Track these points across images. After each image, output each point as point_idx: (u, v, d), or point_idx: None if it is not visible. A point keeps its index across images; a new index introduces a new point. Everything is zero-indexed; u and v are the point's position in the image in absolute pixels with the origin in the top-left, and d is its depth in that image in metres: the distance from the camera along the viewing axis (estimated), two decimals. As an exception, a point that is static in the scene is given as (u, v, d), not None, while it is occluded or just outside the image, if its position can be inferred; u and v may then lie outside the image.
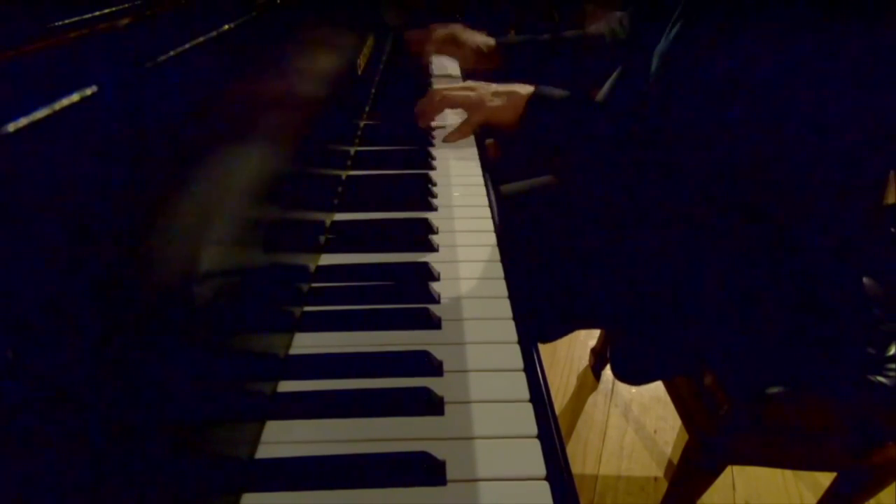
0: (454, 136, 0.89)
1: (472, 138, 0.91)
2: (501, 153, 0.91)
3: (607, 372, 1.54)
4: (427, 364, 0.47)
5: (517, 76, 1.10)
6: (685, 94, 0.70)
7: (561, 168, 0.97)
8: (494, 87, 0.87)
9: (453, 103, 0.88)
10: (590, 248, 0.83)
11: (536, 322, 0.52)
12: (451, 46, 1.18)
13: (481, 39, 1.15)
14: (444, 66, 1.31)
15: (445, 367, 0.47)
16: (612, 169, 0.79)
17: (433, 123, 0.94)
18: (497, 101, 0.84)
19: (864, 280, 0.76)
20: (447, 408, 0.43)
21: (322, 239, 0.63)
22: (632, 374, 0.83)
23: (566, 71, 1.10)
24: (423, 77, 1.21)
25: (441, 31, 1.18)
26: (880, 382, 0.70)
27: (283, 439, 0.41)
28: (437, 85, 1.16)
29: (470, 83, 0.90)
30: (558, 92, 0.82)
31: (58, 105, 0.22)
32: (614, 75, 0.97)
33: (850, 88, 0.58)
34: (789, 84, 0.59)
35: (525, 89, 0.84)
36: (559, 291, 0.80)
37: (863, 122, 0.59)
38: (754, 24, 0.62)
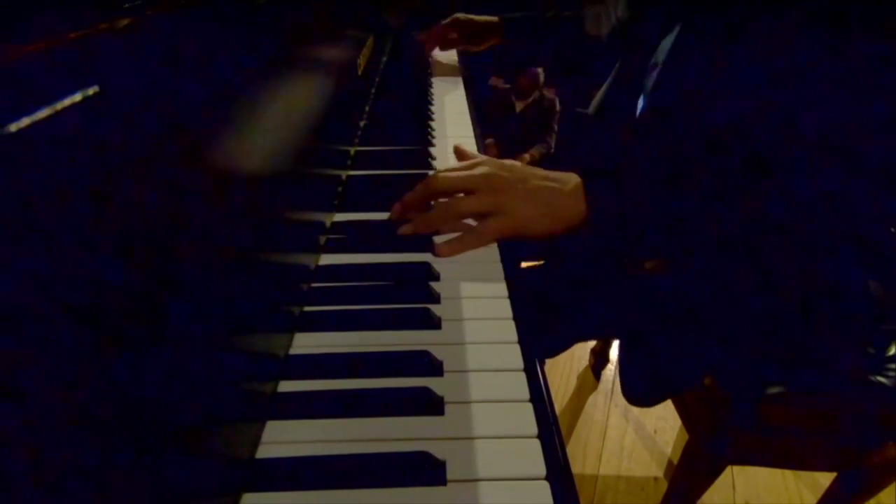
0: (452, 249, 0.60)
1: (471, 136, 0.90)
2: (501, 153, 0.90)
3: (607, 372, 1.55)
4: (427, 364, 0.47)
5: (516, 51, 1.14)
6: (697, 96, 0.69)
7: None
8: (524, 177, 0.60)
9: (457, 214, 0.61)
10: (590, 256, 0.83)
11: (539, 337, 0.51)
12: (456, 34, 1.20)
13: (482, 18, 1.18)
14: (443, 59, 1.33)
15: (445, 367, 0.47)
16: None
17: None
18: (529, 208, 0.59)
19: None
20: (447, 408, 0.43)
21: (322, 239, 0.63)
22: (644, 398, 0.82)
23: (564, 49, 1.10)
24: (423, 77, 1.21)
25: (441, 26, 1.21)
26: (880, 382, 0.71)
27: (283, 439, 0.41)
28: (438, 83, 1.16)
29: (480, 163, 0.61)
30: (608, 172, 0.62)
31: (58, 105, 0.22)
32: (605, 86, 0.96)
33: (851, 92, 0.57)
34: (798, 85, 0.59)
35: (571, 180, 0.60)
36: (559, 303, 0.79)
37: (868, 127, 0.59)
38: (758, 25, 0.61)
